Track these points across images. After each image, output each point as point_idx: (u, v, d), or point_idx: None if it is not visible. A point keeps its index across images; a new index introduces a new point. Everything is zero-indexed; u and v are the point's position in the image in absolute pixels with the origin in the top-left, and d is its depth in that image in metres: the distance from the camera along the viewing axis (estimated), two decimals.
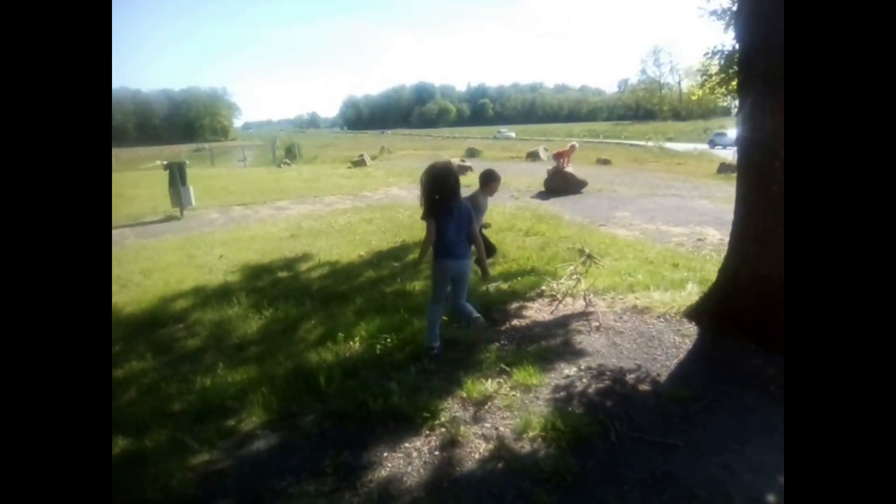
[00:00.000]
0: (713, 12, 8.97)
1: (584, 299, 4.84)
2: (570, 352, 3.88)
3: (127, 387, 3.87)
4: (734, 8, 6.90)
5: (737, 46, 4.19)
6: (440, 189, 3.81)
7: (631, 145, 44.27)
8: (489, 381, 3.46)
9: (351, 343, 4.24)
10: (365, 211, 11.63)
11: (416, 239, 8.26)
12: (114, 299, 6.04)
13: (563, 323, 4.48)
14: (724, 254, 6.84)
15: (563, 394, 3.28)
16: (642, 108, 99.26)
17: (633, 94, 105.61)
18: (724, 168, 19.14)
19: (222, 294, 5.94)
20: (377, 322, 4.60)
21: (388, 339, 4.22)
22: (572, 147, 15.65)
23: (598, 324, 4.35)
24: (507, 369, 3.57)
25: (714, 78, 9.90)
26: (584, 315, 4.59)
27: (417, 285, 5.87)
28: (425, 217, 3.83)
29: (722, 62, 9.31)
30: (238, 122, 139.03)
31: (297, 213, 12.11)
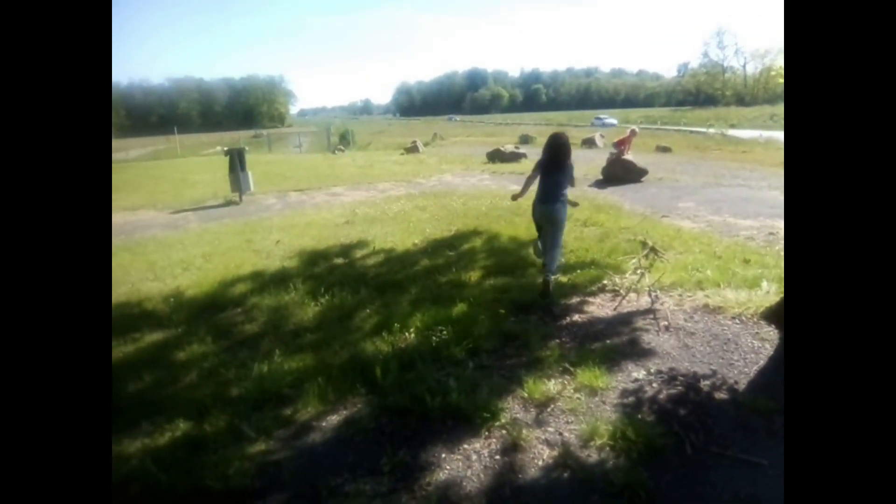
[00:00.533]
0: None
1: (650, 295, 4.59)
2: (637, 352, 3.66)
3: (189, 370, 3.93)
4: None
5: None
6: (551, 150, 4.99)
7: (691, 132, 42.39)
8: (552, 381, 3.30)
9: (406, 334, 4.17)
10: (418, 198, 11.57)
11: (471, 228, 8.14)
12: (177, 282, 6.22)
13: (627, 320, 4.25)
14: None
15: (631, 399, 3.09)
16: (703, 94, 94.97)
17: (693, 78, 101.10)
18: None
19: (279, 279, 5.99)
20: (433, 313, 4.51)
21: (444, 332, 4.12)
22: (633, 132, 15.04)
23: (666, 323, 4.10)
24: (571, 369, 3.40)
25: None
26: (650, 312, 4.35)
27: (473, 276, 5.74)
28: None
29: None
30: (294, 109, 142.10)
31: (351, 199, 12.19)
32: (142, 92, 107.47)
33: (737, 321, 4.06)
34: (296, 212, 10.82)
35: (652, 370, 3.40)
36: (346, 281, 5.79)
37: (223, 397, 3.45)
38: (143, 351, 4.32)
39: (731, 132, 39.17)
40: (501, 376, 3.42)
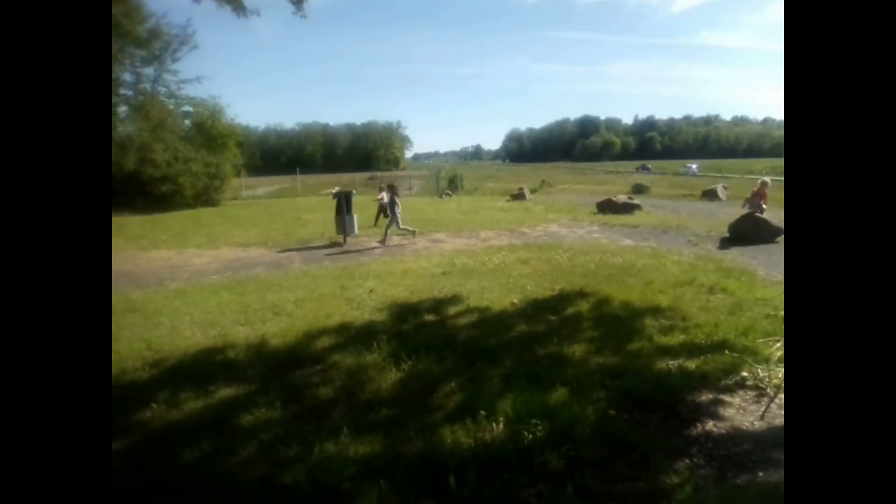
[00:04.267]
0: None
1: None
2: None
3: (247, 442, 3.51)
4: None
5: None
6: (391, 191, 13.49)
7: None
8: None
9: (493, 425, 3.48)
10: (521, 250, 10.90)
11: (577, 288, 7.32)
12: (265, 328, 6.05)
13: (783, 438, 3.23)
14: None
15: None
16: None
17: None
18: None
19: (365, 335, 5.59)
20: (526, 397, 3.81)
21: (539, 427, 3.39)
22: (764, 184, 13.43)
23: None
24: None
25: None
26: None
27: (577, 350, 4.94)
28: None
29: None
30: (409, 154, 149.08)
31: (451, 247, 11.80)
32: (275, 135, 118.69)
33: None
34: (394, 258, 10.59)
35: None
36: (434, 343, 5.23)
37: (273, 484, 2.98)
38: (209, 409, 4.02)
39: None
40: None
